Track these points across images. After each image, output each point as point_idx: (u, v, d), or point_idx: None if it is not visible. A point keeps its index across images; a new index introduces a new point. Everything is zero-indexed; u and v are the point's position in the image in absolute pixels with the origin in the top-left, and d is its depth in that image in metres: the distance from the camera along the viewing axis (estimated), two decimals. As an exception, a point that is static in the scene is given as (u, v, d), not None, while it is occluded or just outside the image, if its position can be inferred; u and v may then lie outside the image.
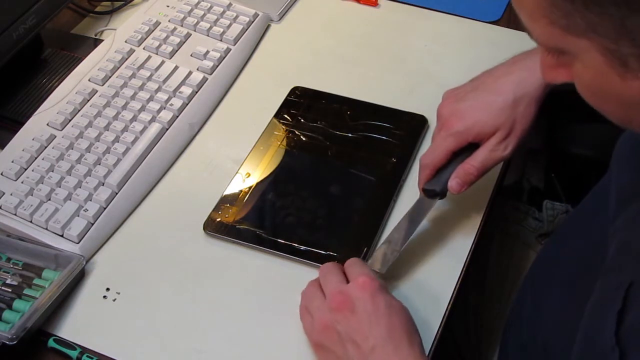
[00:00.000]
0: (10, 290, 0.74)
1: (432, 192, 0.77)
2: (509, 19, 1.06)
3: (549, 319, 0.74)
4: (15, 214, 0.80)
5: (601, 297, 0.56)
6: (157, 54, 0.98)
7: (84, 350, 0.71)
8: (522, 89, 0.75)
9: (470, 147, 0.77)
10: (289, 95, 0.96)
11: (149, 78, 0.94)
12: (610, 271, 0.57)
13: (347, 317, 0.66)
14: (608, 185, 0.70)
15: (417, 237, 0.78)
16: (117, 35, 1.00)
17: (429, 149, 0.78)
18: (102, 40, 1.01)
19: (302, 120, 0.92)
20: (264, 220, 0.82)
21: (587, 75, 0.50)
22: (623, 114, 0.51)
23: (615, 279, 0.55)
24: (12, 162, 0.84)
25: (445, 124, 0.77)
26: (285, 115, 0.93)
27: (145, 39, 0.99)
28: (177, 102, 0.92)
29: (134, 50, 0.98)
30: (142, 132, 0.88)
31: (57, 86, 0.93)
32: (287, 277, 0.77)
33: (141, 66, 0.95)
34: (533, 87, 0.75)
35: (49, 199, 0.81)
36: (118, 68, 0.95)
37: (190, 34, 1.01)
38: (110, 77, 0.94)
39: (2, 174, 0.83)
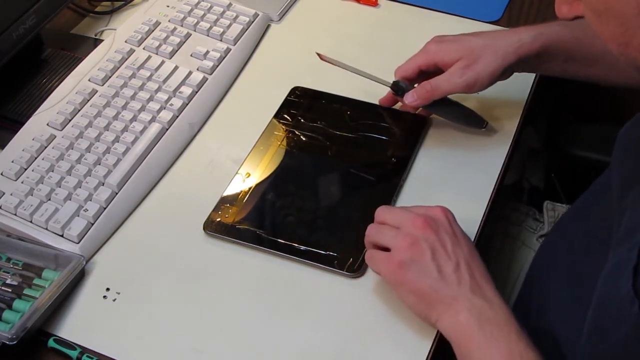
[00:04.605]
0: (10, 290, 0.74)
1: (396, 84, 0.87)
2: (509, 19, 1.07)
3: (552, 313, 0.74)
4: (15, 214, 0.80)
5: (614, 264, 0.58)
6: (157, 54, 0.98)
7: (84, 350, 0.71)
8: (497, 41, 0.84)
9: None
10: (289, 95, 0.96)
11: (149, 78, 0.94)
12: (622, 243, 0.59)
13: (432, 236, 0.70)
14: (608, 178, 0.71)
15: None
16: (117, 35, 1.00)
17: None
18: (102, 40, 1.01)
19: (302, 120, 0.92)
20: (264, 220, 0.82)
21: None
22: (623, 35, 0.53)
23: (627, 246, 0.56)
24: (12, 162, 0.84)
25: (423, 47, 0.87)
26: (285, 115, 0.93)
27: (145, 39, 0.99)
28: (177, 102, 0.92)
29: (134, 50, 0.98)
30: (142, 132, 0.88)
31: (57, 86, 0.93)
32: (287, 277, 0.77)
33: (141, 66, 0.95)
34: (512, 47, 0.82)
35: (49, 199, 0.81)
36: (118, 68, 0.95)
37: (190, 34, 1.01)
38: (110, 77, 0.94)
39: (2, 174, 0.83)
